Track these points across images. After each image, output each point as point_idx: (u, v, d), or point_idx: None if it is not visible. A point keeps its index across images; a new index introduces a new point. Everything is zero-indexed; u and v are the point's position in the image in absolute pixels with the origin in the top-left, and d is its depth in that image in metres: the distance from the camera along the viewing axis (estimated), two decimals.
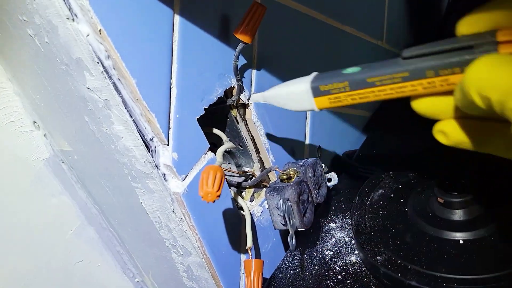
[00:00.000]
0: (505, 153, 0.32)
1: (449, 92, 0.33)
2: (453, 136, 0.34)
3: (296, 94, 0.43)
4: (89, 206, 0.61)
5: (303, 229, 0.49)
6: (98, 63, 0.41)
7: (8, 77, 0.53)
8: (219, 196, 0.38)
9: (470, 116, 0.34)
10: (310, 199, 0.51)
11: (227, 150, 0.51)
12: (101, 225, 0.63)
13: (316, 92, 0.41)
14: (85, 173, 0.58)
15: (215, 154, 0.51)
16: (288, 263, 0.58)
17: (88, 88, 0.44)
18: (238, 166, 0.63)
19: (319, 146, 0.59)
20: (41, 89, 0.51)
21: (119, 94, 0.43)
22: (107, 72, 0.42)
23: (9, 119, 0.53)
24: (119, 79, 0.42)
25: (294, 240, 0.47)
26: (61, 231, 0.59)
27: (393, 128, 0.75)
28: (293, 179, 0.51)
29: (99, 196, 0.60)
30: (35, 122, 0.55)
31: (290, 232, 0.47)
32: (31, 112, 0.54)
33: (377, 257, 0.50)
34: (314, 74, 0.43)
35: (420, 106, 0.35)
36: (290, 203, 0.47)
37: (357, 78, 0.37)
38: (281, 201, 0.46)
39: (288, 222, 0.47)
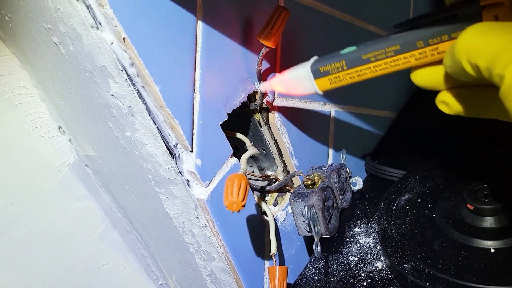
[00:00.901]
0: (505, 117, 0.33)
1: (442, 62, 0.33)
2: (454, 105, 0.36)
3: (299, 78, 0.44)
4: (114, 210, 0.62)
5: (328, 236, 0.48)
6: (122, 70, 0.41)
7: (34, 83, 0.54)
8: (244, 206, 0.38)
9: (467, 85, 0.35)
10: (335, 205, 0.50)
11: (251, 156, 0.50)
12: (125, 229, 0.63)
13: (316, 74, 0.43)
14: (110, 178, 0.58)
15: (239, 159, 0.50)
16: (312, 268, 0.58)
17: (112, 95, 0.44)
18: (261, 169, 0.62)
19: (344, 150, 0.58)
20: (66, 95, 0.51)
21: (143, 101, 0.43)
22: (131, 80, 0.41)
23: (35, 124, 0.54)
24: (143, 86, 0.42)
25: (319, 248, 0.46)
26: (86, 234, 0.60)
27: (420, 129, 0.73)
28: (317, 185, 0.50)
29: (124, 201, 0.60)
30: (60, 128, 0.56)
31: (315, 240, 0.46)
32: (57, 118, 0.55)
33: (404, 265, 0.49)
34: (314, 58, 0.44)
35: (418, 78, 0.37)
36: (315, 210, 0.46)
37: (353, 56, 0.39)
38: (306, 208, 0.46)
39: (313, 229, 0.46)
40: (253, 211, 0.53)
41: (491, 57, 0.27)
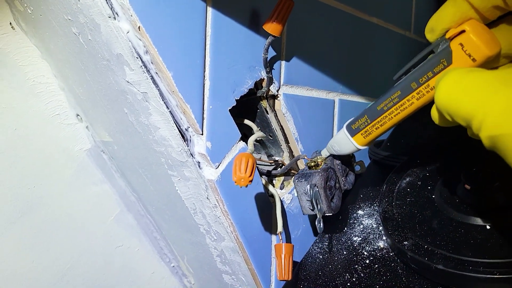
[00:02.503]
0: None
1: None
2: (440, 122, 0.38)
3: (341, 138, 0.50)
4: (128, 194, 0.65)
5: (331, 214, 0.51)
6: (137, 58, 0.44)
7: (54, 73, 0.57)
8: (251, 181, 0.40)
9: None
10: (337, 185, 0.53)
11: (258, 139, 0.53)
12: (139, 212, 0.66)
13: (351, 131, 0.48)
14: (125, 162, 0.61)
15: (247, 143, 0.53)
16: (317, 248, 0.60)
17: (128, 82, 0.47)
18: (269, 156, 0.65)
19: None
20: (84, 84, 0.54)
21: (156, 87, 0.45)
22: (145, 67, 0.44)
23: (55, 112, 0.57)
24: (156, 73, 0.45)
25: (321, 224, 0.49)
26: (102, 217, 0.63)
27: (422, 117, 0.75)
28: (320, 166, 0.53)
29: (138, 185, 0.63)
30: (78, 115, 0.59)
31: (318, 216, 0.49)
32: (75, 106, 0.58)
33: (404, 242, 0.51)
34: (347, 122, 0.49)
35: (435, 119, 0.39)
36: (317, 189, 0.49)
37: (371, 109, 0.45)
38: (308, 186, 0.48)
39: (315, 206, 0.49)
40: (261, 192, 0.56)
41: (466, 118, 0.30)
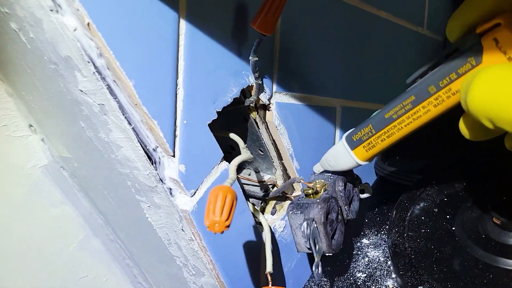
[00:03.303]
0: None
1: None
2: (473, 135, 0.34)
3: (338, 152, 0.44)
4: (94, 217, 0.56)
5: (331, 254, 0.42)
6: (89, 62, 0.35)
7: None
8: (228, 226, 0.31)
9: None
10: (339, 217, 0.44)
11: (244, 161, 0.44)
12: (108, 237, 0.57)
13: (351, 143, 0.42)
14: (87, 182, 0.52)
15: (238, 169, 0.44)
16: (314, 285, 0.51)
17: (81, 91, 0.38)
18: (257, 172, 0.56)
19: None
20: (33, 90, 0.45)
21: (115, 98, 0.36)
22: (99, 73, 0.35)
23: (2, 122, 0.47)
24: (114, 81, 0.36)
25: (320, 269, 0.40)
26: (63, 244, 0.54)
27: (434, 127, 0.66)
28: (319, 194, 0.44)
29: (104, 207, 0.54)
30: (31, 126, 0.50)
31: (316, 260, 0.40)
32: (26, 115, 0.49)
33: (419, 287, 0.43)
34: (348, 132, 0.43)
35: (463, 130, 0.34)
36: (316, 225, 0.40)
37: (377, 117, 0.39)
38: (305, 223, 0.39)
39: (313, 247, 0.40)
40: (248, 221, 0.47)
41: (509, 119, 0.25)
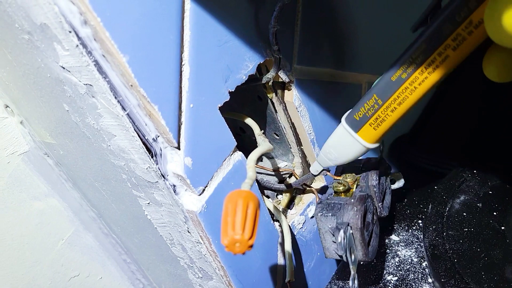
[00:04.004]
0: None
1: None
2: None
3: (339, 139, 0.36)
4: (85, 209, 0.49)
5: (366, 262, 0.35)
6: (70, 32, 0.27)
7: None
8: (252, 246, 0.24)
9: None
10: (375, 218, 0.37)
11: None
12: (101, 231, 0.50)
13: (354, 124, 0.34)
14: (76, 172, 0.45)
15: (245, 153, 0.37)
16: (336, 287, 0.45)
17: (63, 68, 0.31)
18: (271, 158, 0.49)
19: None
20: (6, 65, 0.37)
21: (104, 77, 0.29)
22: (84, 46, 0.28)
23: None
24: (103, 56, 0.28)
25: (356, 283, 0.33)
26: (49, 241, 0.47)
27: (469, 103, 0.58)
28: (352, 191, 0.37)
29: (96, 199, 0.47)
30: (7, 107, 0.42)
31: (352, 272, 0.33)
32: (1, 94, 0.41)
33: None
34: (346, 113, 0.36)
35: (489, 71, 0.27)
36: (351, 231, 0.33)
37: (382, 83, 0.32)
38: (341, 231, 0.32)
39: (348, 256, 0.33)
40: (263, 218, 0.40)
41: None
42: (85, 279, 0.50)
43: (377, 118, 0.33)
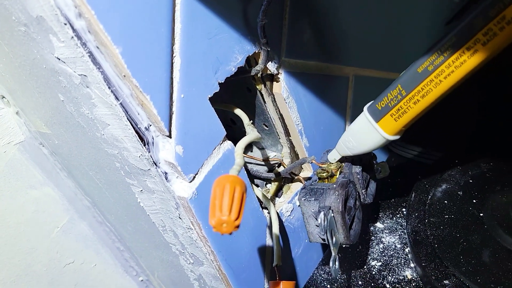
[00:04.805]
0: None
1: None
2: None
3: (359, 128, 0.36)
4: (80, 198, 0.50)
5: (348, 245, 0.37)
6: (65, 24, 0.29)
7: None
8: (238, 226, 0.26)
9: None
10: (357, 203, 0.39)
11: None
12: (95, 219, 0.52)
13: (375, 114, 0.35)
14: (70, 161, 0.46)
15: (234, 142, 0.38)
16: (323, 273, 0.47)
17: (58, 59, 0.32)
18: (261, 149, 0.50)
19: None
20: (3, 57, 0.38)
21: (98, 68, 0.30)
22: (79, 38, 0.29)
23: None
24: (97, 47, 0.30)
25: (337, 264, 0.35)
26: (45, 229, 0.48)
27: (456, 97, 0.60)
28: (335, 177, 0.39)
29: (90, 188, 0.48)
30: (3, 97, 0.43)
31: (333, 254, 0.35)
32: None
33: (445, 281, 0.38)
34: (369, 103, 0.36)
35: None
36: (333, 214, 0.35)
37: (408, 74, 0.32)
38: (322, 213, 0.34)
39: (329, 238, 0.35)
40: (252, 206, 0.42)
41: None
42: (80, 266, 0.51)
43: (399, 109, 0.33)
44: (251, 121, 0.42)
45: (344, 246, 0.37)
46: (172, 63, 0.33)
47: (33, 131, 0.45)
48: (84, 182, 0.48)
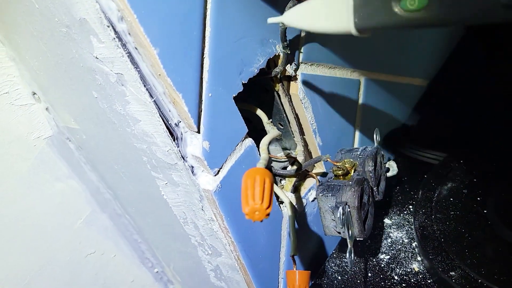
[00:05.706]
0: None
1: None
2: None
3: (330, 4, 0.29)
4: (102, 191, 0.52)
5: (362, 239, 0.39)
6: (108, 26, 0.31)
7: (0, 38, 0.43)
8: (269, 214, 0.28)
9: None
10: (370, 199, 0.41)
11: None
12: (115, 211, 0.54)
13: None
14: (96, 154, 0.49)
15: (253, 138, 0.41)
16: (334, 266, 0.49)
17: (97, 58, 0.34)
18: (276, 146, 0.53)
19: (377, 129, 0.48)
20: (39, 55, 0.40)
21: (136, 67, 0.33)
22: (120, 39, 0.31)
23: (3, 90, 0.43)
24: (136, 48, 0.32)
25: (353, 255, 0.37)
26: (69, 220, 0.51)
27: (460, 99, 0.63)
28: (350, 175, 0.41)
29: (113, 181, 0.51)
30: (35, 94, 0.46)
31: (349, 246, 0.37)
32: (30, 82, 0.44)
33: (451, 272, 0.41)
34: None
35: None
36: (349, 209, 0.37)
37: None
38: (340, 208, 0.37)
39: (346, 232, 0.37)
40: None
41: None
42: (100, 257, 0.54)
43: None
44: (270, 119, 0.44)
45: (358, 239, 0.39)
46: (202, 64, 0.36)
47: (60, 126, 0.47)
48: (107, 176, 0.51)
